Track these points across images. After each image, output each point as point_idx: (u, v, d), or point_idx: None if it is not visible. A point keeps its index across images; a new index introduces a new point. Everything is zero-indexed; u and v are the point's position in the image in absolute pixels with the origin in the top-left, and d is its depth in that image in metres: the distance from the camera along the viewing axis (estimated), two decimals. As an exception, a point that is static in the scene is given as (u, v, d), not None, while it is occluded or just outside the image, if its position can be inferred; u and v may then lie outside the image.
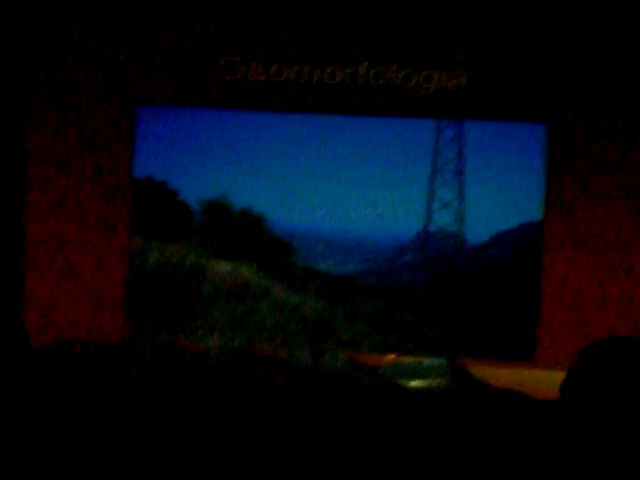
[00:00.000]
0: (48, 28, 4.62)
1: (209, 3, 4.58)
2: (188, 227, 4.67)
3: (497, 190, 4.51)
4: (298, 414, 4.08)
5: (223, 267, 4.64)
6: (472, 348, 4.58)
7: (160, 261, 4.64)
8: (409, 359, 4.52)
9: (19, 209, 4.66)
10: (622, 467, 1.77)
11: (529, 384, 4.10)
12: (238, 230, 4.64)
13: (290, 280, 4.65)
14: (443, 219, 4.57)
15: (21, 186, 4.65)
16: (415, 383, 4.40)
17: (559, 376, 1.96)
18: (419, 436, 4.02)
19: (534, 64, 4.53)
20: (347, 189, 4.55)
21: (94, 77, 4.64)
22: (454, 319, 4.59)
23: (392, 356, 4.53)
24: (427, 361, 4.50)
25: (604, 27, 4.48)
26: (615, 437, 1.79)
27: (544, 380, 4.03)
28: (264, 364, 4.49)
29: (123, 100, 4.65)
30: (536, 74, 4.53)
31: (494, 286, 4.59)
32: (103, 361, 4.17)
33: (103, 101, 4.64)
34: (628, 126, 4.52)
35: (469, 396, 4.29)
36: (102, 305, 4.65)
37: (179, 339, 4.59)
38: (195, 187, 4.62)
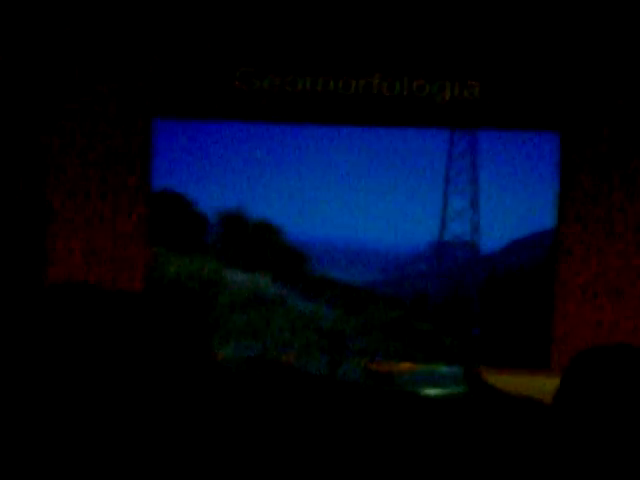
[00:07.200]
0: (63, 39, 4.69)
1: (224, 15, 4.64)
2: (205, 238, 4.71)
3: (511, 198, 4.52)
4: (315, 423, 4.11)
5: (239, 277, 4.68)
6: (487, 356, 4.59)
7: (178, 272, 4.68)
8: (425, 367, 4.54)
9: (41, 223, 4.71)
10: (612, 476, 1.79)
11: (545, 391, 4.10)
12: (254, 240, 4.68)
13: (306, 290, 4.68)
14: (457, 228, 4.59)
15: (41, 200, 4.71)
16: (431, 391, 4.41)
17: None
18: (436, 443, 4.04)
19: (547, 72, 4.55)
20: (362, 199, 4.58)
21: (110, 89, 4.70)
22: (469, 327, 4.60)
23: (408, 364, 4.55)
24: (443, 369, 4.52)
25: (618, 35, 4.49)
26: (607, 444, 1.81)
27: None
28: (280, 373, 4.52)
29: (140, 112, 4.70)
30: (549, 82, 4.54)
31: (509, 294, 4.60)
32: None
33: (120, 113, 4.70)
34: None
35: (485, 403, 4.30)
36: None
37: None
38: (212, 198, 4.67)
